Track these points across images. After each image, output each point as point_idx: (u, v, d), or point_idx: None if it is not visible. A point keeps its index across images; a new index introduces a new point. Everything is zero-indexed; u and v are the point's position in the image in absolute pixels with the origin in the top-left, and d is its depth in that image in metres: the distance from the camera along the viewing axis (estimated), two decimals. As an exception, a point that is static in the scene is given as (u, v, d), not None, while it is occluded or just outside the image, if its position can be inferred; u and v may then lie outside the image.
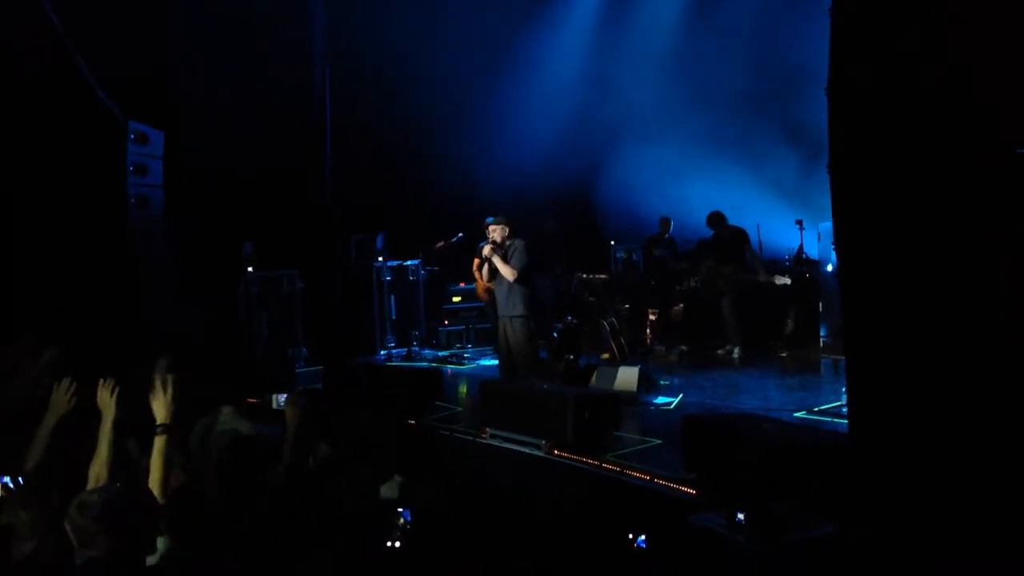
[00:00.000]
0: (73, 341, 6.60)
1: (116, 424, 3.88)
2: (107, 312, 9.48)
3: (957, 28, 3.84)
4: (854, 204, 4.32)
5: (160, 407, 3.87)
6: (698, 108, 13.73)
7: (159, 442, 3.78)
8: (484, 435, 7.66)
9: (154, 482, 3.69)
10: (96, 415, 3.97)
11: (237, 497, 3.98)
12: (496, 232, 8.85)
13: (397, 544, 3.61)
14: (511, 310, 8.73)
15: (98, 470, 3.81)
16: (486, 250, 8.83)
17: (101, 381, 4.03)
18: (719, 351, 11.56)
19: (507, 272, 8.65)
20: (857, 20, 4.20)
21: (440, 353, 12.81)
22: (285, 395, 4.32)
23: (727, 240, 11.63)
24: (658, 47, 14.58)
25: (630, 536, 3.78)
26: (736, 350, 11.34)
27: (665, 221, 13.12)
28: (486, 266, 8.90)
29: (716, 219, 11.80)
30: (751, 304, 11.59)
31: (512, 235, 8.90)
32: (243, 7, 11.91)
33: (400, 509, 3.68)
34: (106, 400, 3.94)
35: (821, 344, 10.95)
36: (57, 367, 5.29)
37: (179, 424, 4.59)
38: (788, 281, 11.10)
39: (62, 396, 4.13)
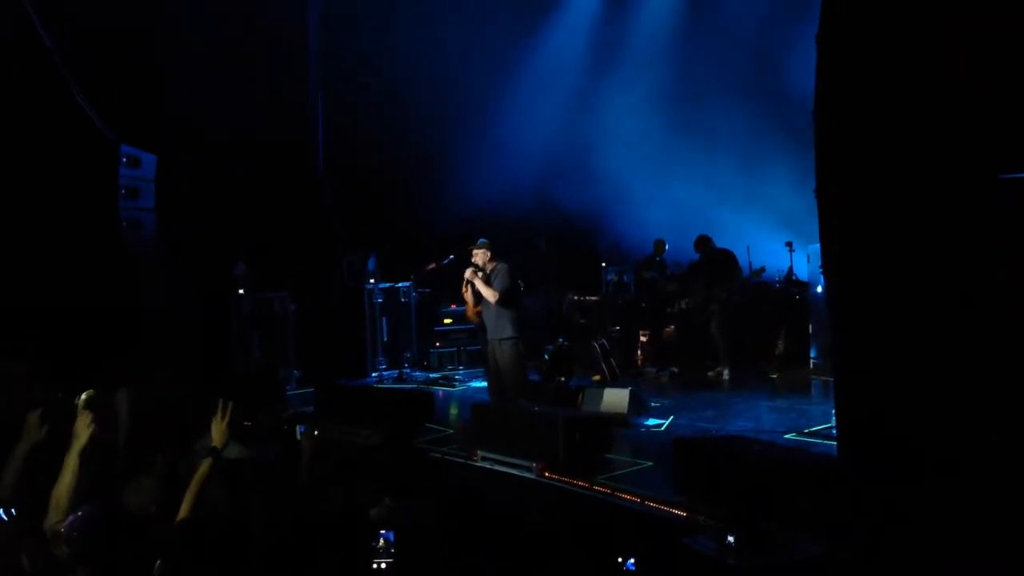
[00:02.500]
0: (67, 363, 6.63)
1: (83, 452, 3.90)
2: (100, 334, 9.46)
3: (940, 59, 3.90)
4: (841, 228, 4.37)
5: (216, 431, 4.05)
6: (691, 131, 13.83)
7: (205, 464, 3.89)
8: (475, 457, 7.66)
9: (187, 500, 3.74)
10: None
11: (225, 519, 3.99)
12: (478, 256, 8.89)
13: (383, 565, 3.64)
14: (499, 332, 8.75)
15: (60, 496, 3.81)
16: (467, 273, 8.88)
17: (81, 409, 4.06)
18: (709, 373, 11.59)
19: (489, 295, 8.70)
20: (843, 49, 4.26)
21: (431, 375, 12.80)
22: (304, 427, 4.72)
23: (716, 262, 11.68)
24: (652, 69, 14.67)
25: (619, 560, 3.79)
26: (725, 372, 11.38)
27: (659, 244, 13.15)
28: (470, 289, 8.95)
29: (702, 242, 11.87)
30: (741, 325, 11.64)
31: (495, 258, 8.92)
32: (238, 31, 11.96)
33: (383, 531, 3.71)
34: (81, 428, 3.95)
35: (811, 365, 11.00)
36: (43, 389, 5.31)
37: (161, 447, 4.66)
38: (764, 267, 11.46)
39: (34, 424, 4.14)
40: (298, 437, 4.75)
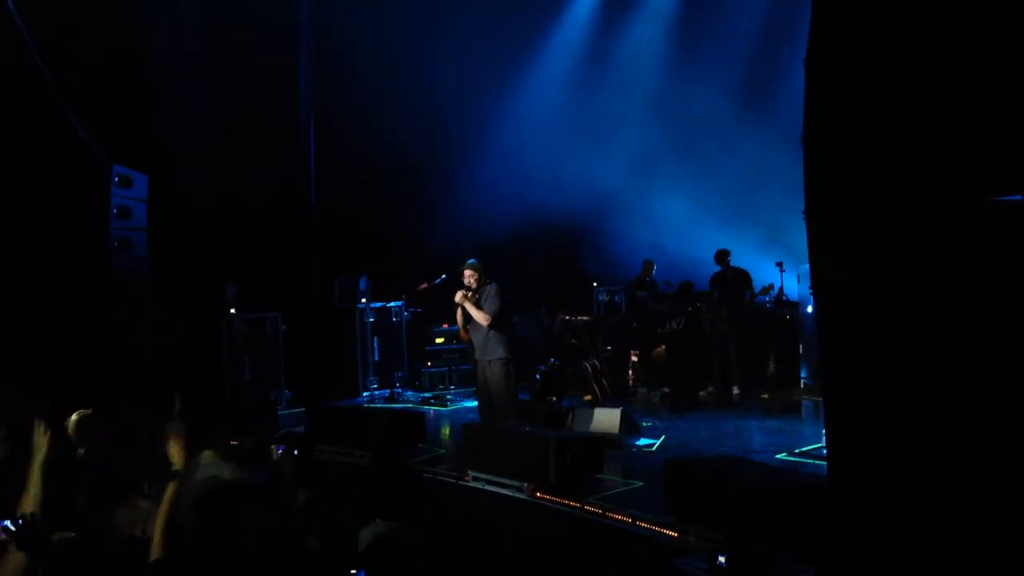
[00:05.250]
0: (55, 384, 6.60)
1: (45, 463, 3.84)
2: (89, 354, 9.43)
3: (930, 82, 3.94)
4: (830, 250, 4.40)
5: (175, 453, 3.94)
6: (683, 151, 13.93)
7: (170, 488, 3.82)
8: (466, 478, 7.65)
9: (158, 527, 3.70)
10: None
11: (213, 544, 3.97)
12: (468, 277, 8.89)
13: None
14: (490, 353, 8.76)
15: (28, 509, 3.78)
16: (457, 296, 8.87)
17: (36, 421, 4.02)
18: (701, 392, 11.61)
19: (480, 318, 8.70)
20: (831, 71, 4.30)
21: (423, 395, 12.80)
22: (282, 447, 4.54)
23: (730, 280, 11.71)
24: (645, 90, 14.79)
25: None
26: (735, 388, 11.45)
27: (648, 264, 13.23)
28: (460, 311, 8.94)
29: (721, 256, 11.85)
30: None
31: (485, 279, 8.90)
32: (230, 53, 12.02)
33: (354, 571, 3.68)
34: (40, 439, 3.91)
35: (802, 386, 11.01)
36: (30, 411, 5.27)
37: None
38: (773, 285, 11.60)
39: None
40: (275, 457, 4.61)
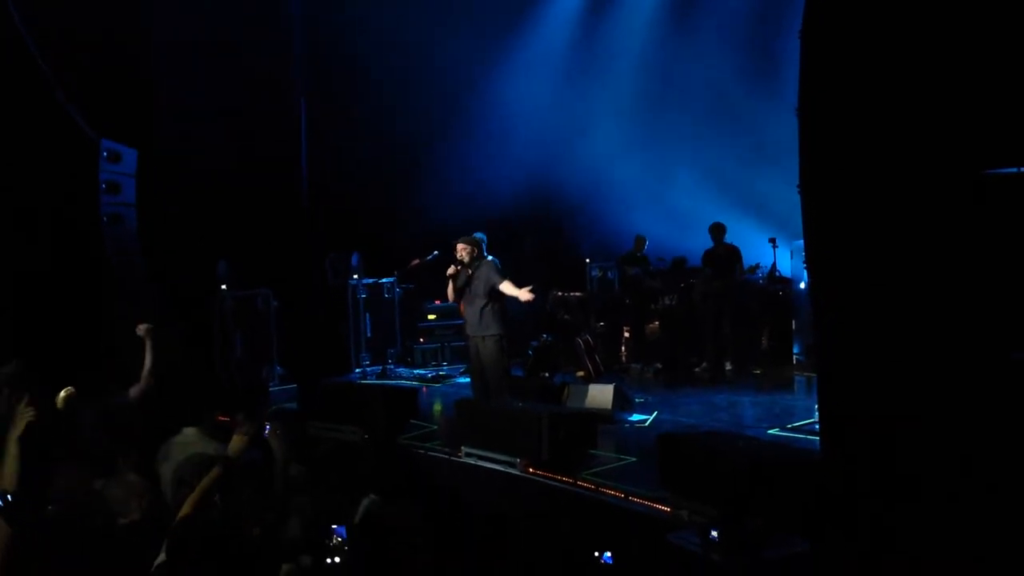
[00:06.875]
0: (43, 361, 6.56)
1: (23, 438, 3.85)
2: (78, 331, 9.38)
3: (924, 54, 3.90)
4: (825, 223, 4.37)
5: (236, 443, 4.11)
6: (673, 127, 13.87)
7: (216, 470, 3.87)
8: (459, 453, 7.64)
9: (192, 499, 3.73)
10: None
11: (205, 520, 3.95)
12: (460, 251, 8.80)
13: (336, 560, 3.61)
14: (483, 329, 8.69)
15: (5, 485, 3.77)
16: (450, 270, 8.80)
17: (17, 396, 4.03)
18: (696, 369, 11.61)
19: (515, 291, 8.58)
20: (827, 43, 4.26)
21: (415, 371, 12.77)
22: (269, 425, 4.58)
23: (722, 256, 11.68)
24: (633, 68, 14.70)
25: (595, 554, 3.77)
26: (728, 364, 11.44)
27: (640, 239, 13.19)
28: (451, 284, 8.87)
29: (716, 231, 11.79)
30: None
31: (477, 253, 8.81)
32: (222, 32, 11.89)
33: (335, 527, 3.68)
34: (20, 415, 3.90)
35: (795, 361, 11.03)
36: (19, 382, 5.24)
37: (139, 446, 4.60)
38: (759, 264, 11.65)
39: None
40: (264, 435, 4.61)
